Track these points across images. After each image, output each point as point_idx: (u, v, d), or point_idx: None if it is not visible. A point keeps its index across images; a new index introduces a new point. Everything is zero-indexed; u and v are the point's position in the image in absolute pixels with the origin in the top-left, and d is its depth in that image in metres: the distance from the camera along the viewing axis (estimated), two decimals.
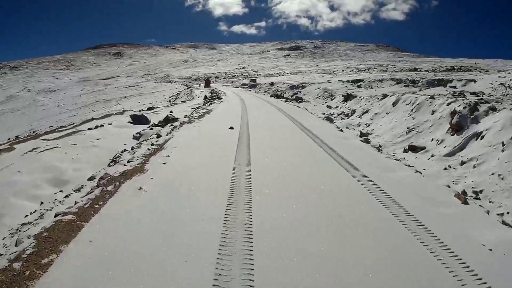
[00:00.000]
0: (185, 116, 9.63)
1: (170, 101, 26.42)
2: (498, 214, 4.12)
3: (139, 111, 12.23)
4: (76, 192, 3.47)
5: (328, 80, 32.57)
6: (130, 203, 3.16)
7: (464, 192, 5.01)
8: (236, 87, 37.96)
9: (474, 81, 25.00)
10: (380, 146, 7.48)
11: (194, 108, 13.11)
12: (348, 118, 11.60)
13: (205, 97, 19.82)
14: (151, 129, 7.36)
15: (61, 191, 4.09)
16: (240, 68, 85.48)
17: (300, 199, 3.58)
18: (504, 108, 7.04)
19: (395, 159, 5.69)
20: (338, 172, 4.60)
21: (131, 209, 3.03)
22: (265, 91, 30.07)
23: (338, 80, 30.89)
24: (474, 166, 6.03)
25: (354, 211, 3.40)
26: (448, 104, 8.54)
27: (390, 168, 4.99)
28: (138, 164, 4.23)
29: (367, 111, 10.82)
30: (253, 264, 2.34)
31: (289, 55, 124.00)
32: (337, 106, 15.75)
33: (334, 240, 2.79)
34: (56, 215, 2.71)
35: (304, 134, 7.45)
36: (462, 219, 3.50)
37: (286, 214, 3.18)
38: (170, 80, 58.49)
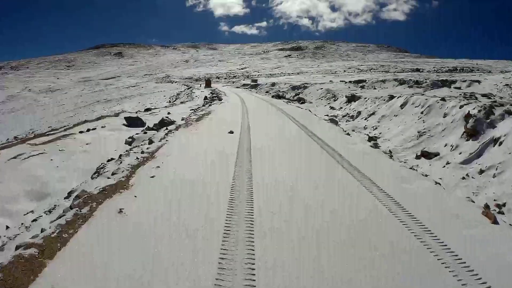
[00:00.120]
0: (182, 119, 9.14)
1: (170, 102, 26.02)
2: None
3: (136, 112, 11.78)
4: (47, 214, 3.00)
5: (330, 81, 32.10)
6: (104, 233, 2.61)
7: (486, 206, 4.54)
8: (237, 87, 37.52)
9: (479, 82, 24.49)
10: (390, 151, 7.00)
11: (193, 109, 12.66)
12: (353, 120, 11.11)
13: (205, 98, 19.37)
14: (145, 133, 6.88)
15: (31, 211, 3.62)
16: (241, 69, 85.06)
17: (315, 232, 2.87)
18: None
19: (410, 168, 5.20)
20: (354, 187, 4.06)
21: (104, 242, 2.48)
22: (266, 92, 29.61)
23: (340, 81, 30.40)
24: (494, 176, 5.54)
25: (380, 236, 2.92)
26: (461, 106, 8.04)
27: (407, 178, 4.51)
28: (123, 177, 3.74)
29: (373, 113, 10.33)
30: None
31: (290, 55, 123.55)
32: (341, 108, 15.26)
33: (355, 275, 2.31)
34: (17, 247, 2.23)
35: (311, 140, 6.92)
36: (495, 243, 3.02)
37: (297, 258, 2.44)
38: (171, 81, 58.13)
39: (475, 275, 2.47)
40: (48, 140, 7.44)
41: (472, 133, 7.04)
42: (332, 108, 16.34)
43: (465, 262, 2.61)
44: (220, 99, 17.56)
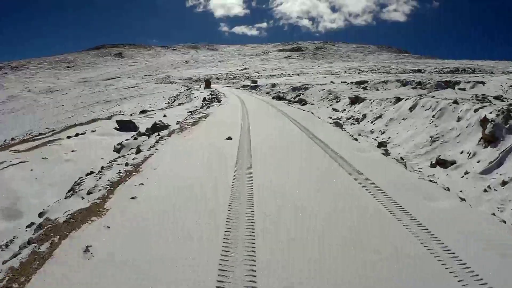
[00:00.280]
0: (177, 122, 8.57)
1: (169, 103, 25.54)
2: None
3: (131, 115, 11.26)
4: (3, 249, 2.46)
5: (331, 82, 31.60)
6: (64, 282, 1.99)
7: None
8: (237, 88, 37.02)
9: (483, 83, 24.00)
10: (402, 158, 6.47)
11: (190, 111, 12.13)
12: (358, 123, 10.57)
13: (204, 99, 18.85)
14: (135, 139, 6.32)
15: None
16: (241, 69, 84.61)
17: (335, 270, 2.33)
18: None
19: (429, 180, 4.66)
20: (374, 209, 3.50)
21: None
22: (267, 93, 29.11)
23: (342, 82, 29.88)
24: None
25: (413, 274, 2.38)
26: (476, 110, 7.51)
27: (430, 194, 3.97)
28: (98, 198, 3.18)
29: (380, 116, 9.80)
30: None
31: (290, 56, 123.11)
32: (344, 110, 14.73)
33: None
34: None
35: (317, 146, 6.31)
36: None
37: None
38: (171, 81, 57.68)
39: None
40: (33, 146, 6.92)
41: (490, 140, 6.51)
42: (335, 110, 15.81)
43: None
44: (219, 101, 17.04)
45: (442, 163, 6.16)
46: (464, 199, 4.15)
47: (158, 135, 6.47)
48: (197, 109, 12.74)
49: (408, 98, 9.72)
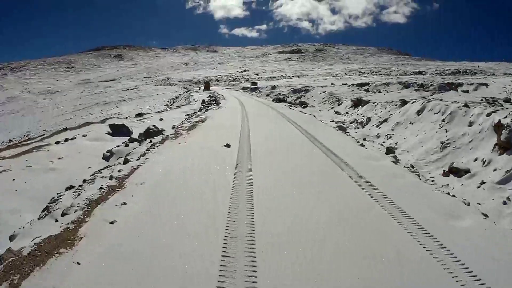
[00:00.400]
0: (173, 127, 8.12)
1: (167, 105, 25.21)
2: None
3: (126, 118, 10.85)
4: None
5: (332, 84, 31.27)
6: None
7: None
8: (236, 90, 36.68)
9: (486, 85, 23.67)
10: (412, 166, 6.06)
11: (188, 114, 11.73)
12: (363, 127, 10.17)
13: (203, 102, 18.46)
14: (126, 145, 5.90)
15: None
16: (241, 71, 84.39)
17: None
18: None
19: (447, 192, 4.24)
20: (390, 229, 3.08)
21: None
22: (267, 95, 28.75)
23: (343, 84, 29.54)
24: None
25: None
26: (488, 114, 7.11)
27: (450, 211, 3.55)
28: (73, 221, 2.73)
29: (385, 120, 9.39)
30: None
31: (290, 58, 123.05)
32: (347, 113, 14.34)
33: None
34: None
35: (322, 153, 5.87)
36: None
37: None
38: (171, 83, 57.40)
39: None
40: (19, 152, 6.50)
41: (506, 146, 6.10)
42: (337, 113, 15.43)
43: None
44: (218, 103, 16.64)
45: (456, 171, 5.74)
46: (486, 215, 3.74)
47: (150, 141, 5.98)
48: (195, 112, 12.33)
49: (415, 101, 9.33)
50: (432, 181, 5.38)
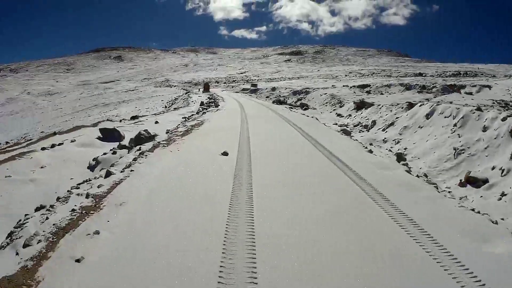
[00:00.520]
0: (167, 131, 7.63)
1: (166, 106, 24.81)
2: None
3: (120, 121, 10.39)
4: None
5: (332, 85, 30.88)
6: None
7: None
8: (236, 92, 36.27)
9: (489, 87, 23.31)
10: (425, 175, 5.60)
11: (185, 117, 11.27)
12: (368, 131, 9.71)
13: (202, 104, 18.02)
14: (114, 153, 5.41)
15: None
16: (241, 73, 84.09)
17: None
18: None
19: (472, 209, 3.78)
20: (420, 259, 2.61)
21: None
22: (267, 97, 28.34)
23: (344, 86, 29.15)
24: None
25: None
26: (504, 119, 6.66)
27: (479, 232, 3.09)
28: (34, 256, 2.25)
29: (392, 124, 8.94)
30: None
31: (290, 60, 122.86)
32: (350, 115, 13.90)
33: None
34: None
35: (329, 161, 5.38)
36: None
37: None
38: (170, 85, 57.06)
39: None
40: (2, 160, 6.03)
41: None
42: (339, 115, 14.99)
43: None
44: (217, 106, 16.19)
45: (473, 181, 5.29)
46: None
47: (139, 149, 5.47)
48: (192, 115, 11.88)
49: (423, 104, 8.88)
50: (449, 192, 4.92)
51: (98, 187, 3.54)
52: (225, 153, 5.37)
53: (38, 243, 2.39)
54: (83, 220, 2.83)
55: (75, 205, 3.06)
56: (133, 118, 11.01)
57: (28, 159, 5.72)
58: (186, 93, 33.68)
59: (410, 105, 9.68)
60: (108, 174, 3.92)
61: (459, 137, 6.71)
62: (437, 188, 4.42)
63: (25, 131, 26.49)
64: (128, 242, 2.59)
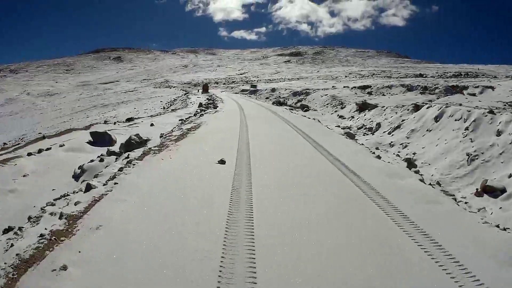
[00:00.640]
0: (161, 136, 7.21)
1: (165, 107, 24.48)
2: None
3: (114, 123, 9.99)
4: None
5: (333, 86, 30.54)
6: None
7: None
8: (235, 93, 35.91)
9: (492, 88, 22.98)
10: (438, 183, 5.21)
11: (182, 119, 10.87)
12: (372, 134, 9.33)
13: (200, 105, 17.63)
14: (101, 160, 5.00)
15: None
16: (240, 74, 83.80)
17: None
18: None
19: (496, 225, 3.38)
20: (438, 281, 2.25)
21: None
22: (266, 98, 27.97)
23: (344, 87, 28.81)
24: None
25: None
26: None
27: (508, 255, 2.69)
28: None
29: (398, 127, 8.55)
30: None
31: (289, 61, 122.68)
32: (352, 117, 13.52)
33: None
34: None
35: (335, 168, 4.97)
36: None
37: None
38: (170, 86, 56.76)
39: None
40: None
41: None
42: (341, 117, 14.61)
43: None
44: (215, 107, 15.80)
45: (490, 190, 4.89)
46: None
47: (128, 156, 5.01)
48: (190, 117, 11.48)
49: (430, 106, 8.50)
50: (466, 203, 4.52)
51: (75, 204, 3.09)
52: (221, 161, 4.91)
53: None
54: (51, 249, 2.35)
55: (45, 228, 2.59)
56: (128, 120, 10.62)
57: (12, 166, 5.31)
58: (185, 94, 33.34)
59: (416, 107, 9.30)
60: (89, 187, 3.47)
61: (472, 141, 6.32)
62: (456, 201, 4.03)
63: (24, 132, 26.24)
64: (100, 282, 2.07)
